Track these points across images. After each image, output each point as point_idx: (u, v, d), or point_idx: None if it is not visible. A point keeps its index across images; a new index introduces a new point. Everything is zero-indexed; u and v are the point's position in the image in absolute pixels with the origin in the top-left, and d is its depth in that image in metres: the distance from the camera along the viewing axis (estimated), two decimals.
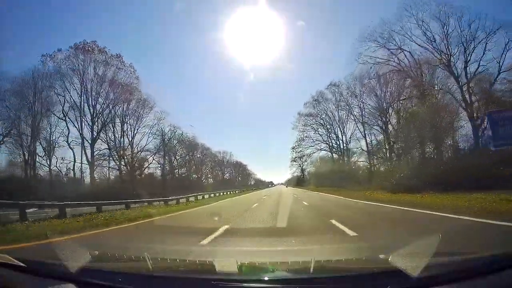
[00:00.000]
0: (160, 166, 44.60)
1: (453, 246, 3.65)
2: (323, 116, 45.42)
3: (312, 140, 47.63)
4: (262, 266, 2.28)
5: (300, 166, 57.08)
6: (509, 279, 1.52)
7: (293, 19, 57.07)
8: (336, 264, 2.33)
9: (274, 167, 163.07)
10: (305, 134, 47.64)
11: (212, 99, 79.13)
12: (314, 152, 48.65)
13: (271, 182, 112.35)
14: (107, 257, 2.82)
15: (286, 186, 77.26)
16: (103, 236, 7.04)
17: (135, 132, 39.38)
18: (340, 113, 44.35)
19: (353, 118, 41.36)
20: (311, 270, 1.84)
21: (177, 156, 49.04)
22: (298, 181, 67.42)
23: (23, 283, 1.76)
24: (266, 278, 1.73)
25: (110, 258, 2.76)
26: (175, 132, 44.49)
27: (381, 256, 2.03)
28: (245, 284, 1.57)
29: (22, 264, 1.80)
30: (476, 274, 1.55)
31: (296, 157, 50.97)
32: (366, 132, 39.45)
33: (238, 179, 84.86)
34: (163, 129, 41.71)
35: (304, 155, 49.60)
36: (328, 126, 45.97)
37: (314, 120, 46.52)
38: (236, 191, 48.71)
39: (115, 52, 36.32)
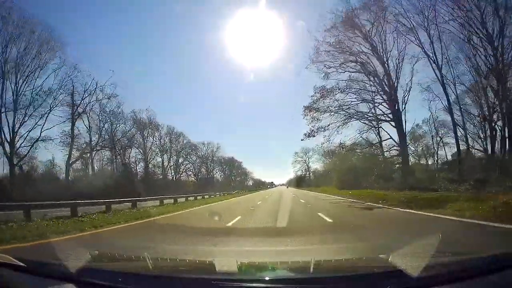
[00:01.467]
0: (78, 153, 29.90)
1: None
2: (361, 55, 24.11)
3: (336, 103, 24.53)
4: (262, 266, 2.28)
5: (305, 163, 48.59)
6: (509, 279, 1.51)
7: (293, 19, 56.84)
8: (336, 264, 2.33)
9: (275, 168, 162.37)
10: (330, 84, 24.92)
11: (212, 100, 79.15)
12: (348, 121, 24.74)
13: (272, 182, 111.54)
14: (107, 257, 2.82)
15: (287, 187, 77.11)
16: None
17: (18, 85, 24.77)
18: (389, 53, 23.20)
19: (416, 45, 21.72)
20: (311, 270, 1.84)
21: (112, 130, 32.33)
22: (300, 181, 63.67)
23: (23, 283, 1.76)
24: (266, 278, 1.73)
25: (110, 258, 2.76)
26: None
27: (381, 256, 2.03)
28: (245, 284, 1.57)
29: (22, 264, 1.80)
30: (476, 274, 1.55)
31: (312, 130, 24.96)
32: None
33: (232, 178, 71.65)
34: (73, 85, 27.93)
35: (328, 124, 24.59)
36: (368, 76, 24.39)
37: (343, 59, 24.25)
38: (219, 195, 35.01)
39: None
